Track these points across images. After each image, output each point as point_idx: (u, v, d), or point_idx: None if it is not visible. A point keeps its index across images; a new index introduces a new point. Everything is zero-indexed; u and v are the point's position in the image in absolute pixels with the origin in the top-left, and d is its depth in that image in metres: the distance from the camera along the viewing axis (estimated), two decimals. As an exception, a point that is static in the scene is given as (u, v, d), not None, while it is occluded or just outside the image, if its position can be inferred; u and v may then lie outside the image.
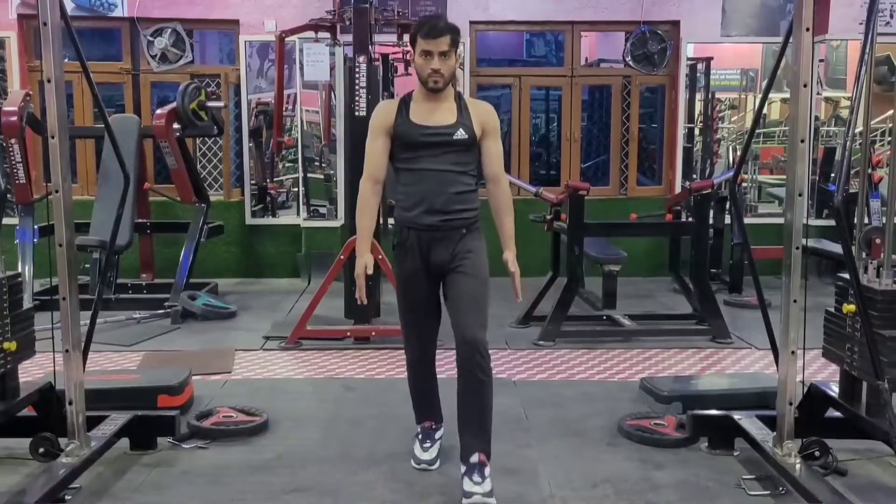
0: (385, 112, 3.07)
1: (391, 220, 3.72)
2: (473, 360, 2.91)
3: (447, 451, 3.32)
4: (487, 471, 2.93)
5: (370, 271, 3.07)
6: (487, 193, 3.11)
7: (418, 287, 3.10)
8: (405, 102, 3.05)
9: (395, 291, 3.22)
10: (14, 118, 5.82)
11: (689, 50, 7.93)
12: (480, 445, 2.96)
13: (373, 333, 5.27)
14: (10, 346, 3.07)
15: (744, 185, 8.32)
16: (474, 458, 2.94)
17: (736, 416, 3.39)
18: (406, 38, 6.65)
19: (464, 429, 3.00)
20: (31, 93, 6.34)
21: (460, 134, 2.98)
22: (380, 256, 4.62)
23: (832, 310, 3.20)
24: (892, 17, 7.44)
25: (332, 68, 7.14)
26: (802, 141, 2.87)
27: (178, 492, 3.10)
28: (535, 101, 9.16)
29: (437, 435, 3.34)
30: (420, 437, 3.33)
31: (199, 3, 7.46)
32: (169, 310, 5.94)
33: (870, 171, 6.04)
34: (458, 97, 3.08)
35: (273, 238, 7.77)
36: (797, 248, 2.93)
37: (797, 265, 2.94)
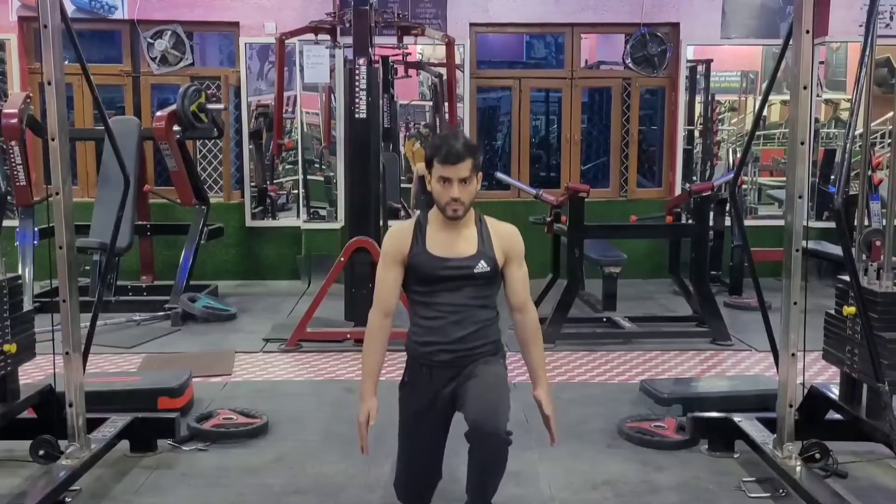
0: (399, 240, 2.75)
1: (391, 223, 3.69)
2: (492, 456, 2.64)
3: (446, 454, 3.31)
4: None
5: (373, 421, 2.72)
6: (514, 323, 2.85)
7: (425, 429, 2.80)
8: (420, 227, 2.76)
9: (404, 304, 2.92)
10: (14, 120, 5.82)
11: (688, 52, 7.94)
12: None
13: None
14: (11, 348, 3.07)
15: (744, 187, 8.32)
16: None
17: (736, 418, 3.39)
18: (406, 40, 6.69)
19: (473, 493, 2.78)
20: (31, 95, 6.35)
21: (482, 266, 2.70)
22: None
23: (832, 312, 3.20)
24: (892, 19, 7.44)
25: (331, 70, 7.16)
26: (802, 143, 2.87)
27: (178, 494, 3.10)
28: (535, 103, 9.17)
29: None
30: None
31: (200, 5, 7.47)
32: (169, 312, 5.94)
33: (870, 173, 6.04)
34: (480, 221, 2.78)
35: (273, 240, 7.77)
36: (797, 250, 2.94)
37: (797, 267, 2.94)
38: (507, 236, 2.80)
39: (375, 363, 2.79)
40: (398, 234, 2.79)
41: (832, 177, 7.47)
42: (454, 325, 2.71)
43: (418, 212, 3.09)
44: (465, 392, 2.69)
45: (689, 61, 7.97)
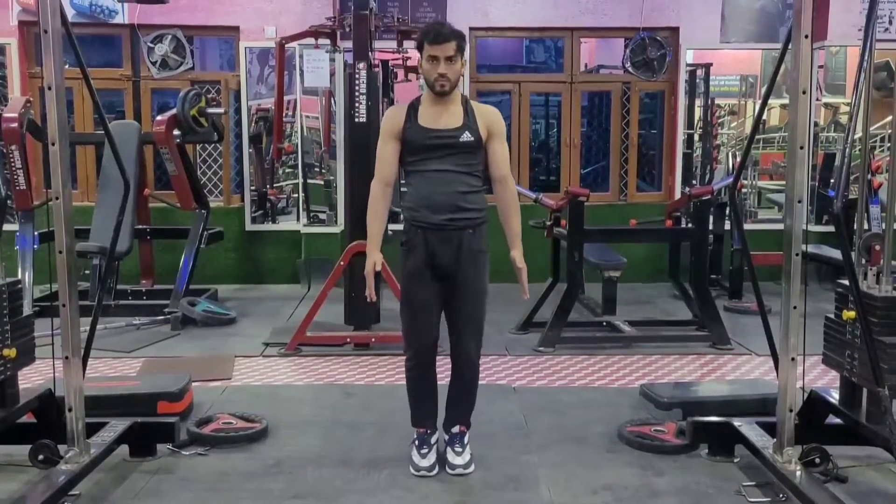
0: (395, 117, 3.19)
1: (391, 228, 3.74)
2: (465, 368, 3.28)
3: (444, 456, 3.31)
4: (467, 438, 3.33)
5: (378, 268, 3.19)
6: (494, 195, 3.24)
7: (423, 285, 3.17)
8: (413, 107, 3.17)
9: (396, 295, 3.34)
10: (14, 124, 5.82)
11: (688, 56, 7.94)
12: (463, 419, 3.35)
13: (372, 339, 5.27)
14: (10, 352, 3.07)
15: (743, 190, 8.32)
16: (455, 429, 3.33)
17: (736, 422, 3.39)
18: (406, 44, 6.70)
19: (450, 405, 3.36)
20: (31, 99, 6.35)
21: (466, 136, 3.10)
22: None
23: (832, 316, 3.20)
24: (891, 23, 7.45)
25: (331, 74, 7.16)
26: (802, 147, 2.87)
27: (177, 498, 3.10)
28: (535, 107, 9.18)
29: (433, 440, 3.35)
30: (417, 443, 3.33)
31: (200, 9, 7.48)
32: (169, 316, 5.93)
33: (869, 176, 6.04)
34: (465, 101, 3.19)
35: (273, 244, 7.77)
36: (797, 254, 2.94)
37: (797, 271, 2.94)
38: (489, 114, 3.20)
39: (379, 226, 3.24)
40: (395, 112, 3.23)
41: (832, 180, 7.47)
42: (442, 188, 3.11)
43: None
44: (453, 312, 3.19)
45: (688, 65, 7.98)
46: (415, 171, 3.17)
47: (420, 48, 3.10)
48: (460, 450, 3.31)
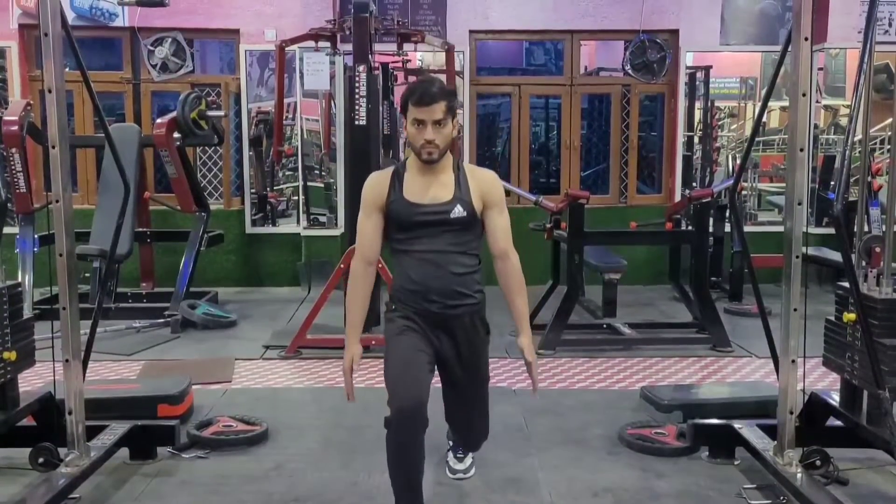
0: (377, 187, 2.77)
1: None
2: (476, 446, 3.19)
3: (443, 459, 3.31)
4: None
5: (356, 366, 2.80)
6: (496, 271, 2.82)
7: (413, 336, 2.75)
8: (398, 174, 2.76)
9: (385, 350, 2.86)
10: (15, 128, 5.83)
11: (688, 58, 7.95)
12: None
13: (373, 342, 5.25)
14: (10, 355, 3.07)
15: (743, 193, 8.32)
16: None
17: (736, 424, 3.39)
18: (406, 47, 6.71)
19: (456, 438, 3.25)
20: (31, 102, 6.35)
21: (458, 212, 2.69)
22: (380, 265, 4.60)
23: (832, 318, 3.20)
24: (890, 25, 7.46)
25: (332, 77, 7.16)
26: (802, 149, 2.87)
27: (177, 501, 3.10)
28: (535, 109, 9.18)
29: None
30: None
31: (200, 12, 7.48)
32: (169, 319, 5.93)
33: (869, 179, 6.04)
34: (457, 167, 2.78)
35: (273, 247, 7.77)
36: (797, 257, 2.94)
37: (797, 273, 2.94)
38: (485, 182, 2.78)
39: (359, 312, 2.81)
40: (376, 181, 2.79)
41: (832, 183, 7.47)
42: (434, 271, 2.71)
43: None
44: (456, 400, 2.90)
45: (688, 68, 7.99)
46: (402, 251, 2.77)
47: (404, 109, 2.68)
48: (462, 456, 3.29)
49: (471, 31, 7.68)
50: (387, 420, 2.62)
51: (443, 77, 7.42)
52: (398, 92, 7.76)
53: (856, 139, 3.13)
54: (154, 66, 7.57)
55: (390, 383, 2.68)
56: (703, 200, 5.81)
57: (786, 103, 7.09)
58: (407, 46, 6.71)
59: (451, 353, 2.79)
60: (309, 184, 7.72)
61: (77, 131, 7.42)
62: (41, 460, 3.15)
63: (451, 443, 3.31)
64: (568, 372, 4.90)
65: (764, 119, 7.98)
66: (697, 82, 8.31)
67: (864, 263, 3.13)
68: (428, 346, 2.75)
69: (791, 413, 3.02)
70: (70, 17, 6.80)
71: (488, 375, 2.95)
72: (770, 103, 8.12)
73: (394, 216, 2.74)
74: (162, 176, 7.14)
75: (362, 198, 2.80)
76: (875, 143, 7.34)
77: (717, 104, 8.82)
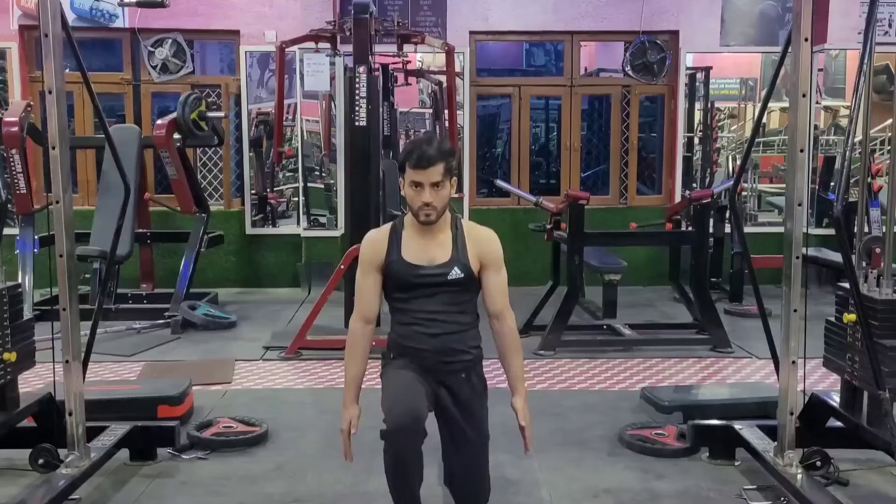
0: (375, 246, 2.76)
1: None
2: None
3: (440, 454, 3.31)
4: None
5: (355, 430, 2.77)
6: (492, 331, 2.80)
7: (412, 373, 2.73)
8: (396, 233, 2.75)
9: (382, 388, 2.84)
10: (15, 129, 5.83)
11: (688, 59, 7.95)
12: None
13: (373, 343, 5.26)
14: (10, 356, 3.07)
15: (743, 194, 8.32)
16: None
17: (737, 425, 3.39)
18: (406, 48, 6.71)
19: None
20: (32, 103, 6.35)
21: (455, 273, 2.68)
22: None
23: (833, 319, 3.20)
24: (890, 26, 7.46)
25: (332, 78, 7.16)
26: (802, 150, 2.88)
27: (177, 502, 3.10)
28: (535, 110, 9.18)
29: None
30: None
31: (200, 13, 7.49)
32: (169, 320, 5.93)
33: (869, 180, 6.04)
34: (455, 225, 2.76)
35: (273, 248, 7.77)
36: (797, 258, 2.94)
37: (797, 274, 2.94)
38: (482, 241, 2.76)
39: (358, 371, 2.80)
40: (374, 240, 2.79)
41: (832, 184, 7.47)
42: (430, 330, 2.70)
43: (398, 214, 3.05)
44: (454, 457, 2.79)
45: (688, 69, 7.99)
46: (400, 309, 2.77)
47: (401, 170, 2.67)
48: None
49: (471, 32, 7.68)
50: (383, 433, 2.59)
51: (443, 78, 7.45)
52: (398, 93, 7.78)
53: (856, 140, 3.13)
54: (154, 67, 7.58)
55: (387, 404, 2.66)
56: (703, 201, 5.81)
57: (786, 104, 7.09)
58: (407, 47, 6.72)
59: (448, 402, 2.76)
60: (309, 185, 7.73)
61: (77, 132, 7.43)
62: (41, 461, 3.15)
63: None
64: (568, 373, 4.90)
65: (764, 120, 7.98)
66: (697, 83, 8.30)
67: (864, 264, 3.14)
68: (427, 386, 2.72)
69: (791, 414, 3.02)
70: (70, 18, 6.79)
71: (488, 434, 2.87)
72: (770, 104, 8.12)
73: (393, 277, 2.73)
74: (162, 177, 7.14)
75: (360, 256, 2.80)
76: (875, 144, 7.34)
77: (717, 105, 8.81)
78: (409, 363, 2.75)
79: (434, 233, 2.72)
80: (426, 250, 2.71)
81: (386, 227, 2.81)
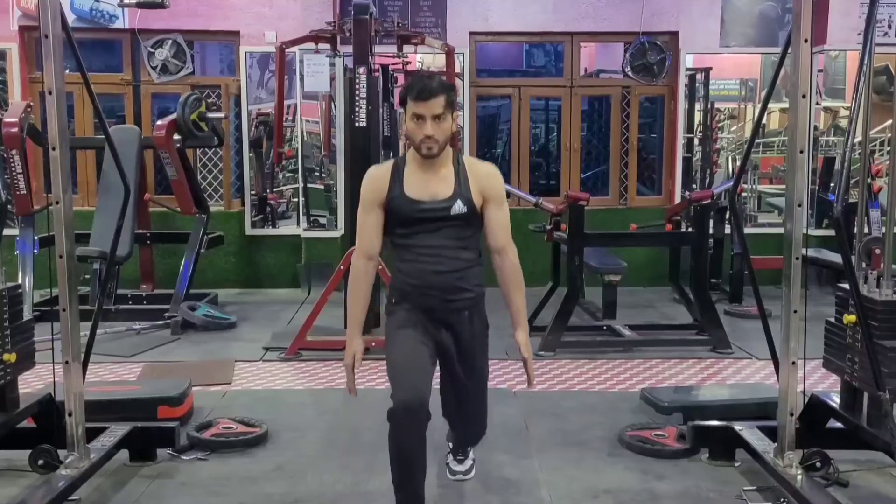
0: (377, 183, 2.76)
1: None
2: (475, 441, 3.17)
3: (443, 461, 3.31)
4: (471, 450, 3.25)
5: (359, 363, 2.82)
6: (494, 266, 2.82)
7: (413, 330, 2.76)
8: (398, 169, 2.76)
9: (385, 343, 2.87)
10: (15, 129, 5.83)
11: (688, 60, 7.95)
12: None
13: (373, 344, 5.23)
14: (10, 357, 3.07)
15: (743, 194, 8.32)
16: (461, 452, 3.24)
17: (737, 426, 3.39)
18: (406, 48, 6.71)
19: (455, 436, 3.23)
20: (32, 104, 6.35)
21: (458, 208, 2.70)
22: (380, 267, 4.60)
23: (833, 320, 3.20)
24: (890, 27, 7.46)
25: (332, 79, 7.16)
26: (802, 151, 2.87)
27: (177, 503, 3.09)
28: (535, 111, 9.18)
29: None
30: None
31: (200, 14, 7.49)
32: (169, 320, 5.93)
33: (869, 180, 6.04)
34: (457, 160, 2.78)
35: (273, 248, 7.77)
36: (797, 258, 2.94)
37: (797, 275, 2.94)
38: (484, 176, 2.77)
39: (360, 307, 2.82)
40: (376, 177, 2.78)
41: (832, 185, 7.47)
42: (434, 266, 2.72)
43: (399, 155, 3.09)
44: (455, 393, 2.90)
45: (688, 69, 7.99)
46: (403, 245, 2.78)
47: (403, 104, 2.69)
48: (462, 458, 3.26)
49: (471, 33, 7.68)
50: (390, 412, 2.61)
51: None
52: (398, 94, 7.77)
53: (856, 141, 3.13)
54: (154, 68, 7.58)
55: (393, 377, 2.68)
56: (703, 202, 5.81)
57: (786, 105, 7.09)
58: (407, 48, 6.71)
59: (450, 345, 2.80)
60: (309, 185, 7.73)
61: (77, 133, 7.43)
62: (41, 462, 3.15)
63: (450, 445, 3.28)
64: (568, 374, 4.89)
65: (764, 121, 7.98)
66: (697, 84, 8.31)
67: (864, 265, 3.13)
68: (429, 338, 2.76)
69: (791, 415, 3.02)
70: (70, 18, 6.80)
71: (487, 371, 2.96)
72: (770, 105, 8.12)
73: (395, 213, 2.74)
74: (162, 177, 7.14)
75: (361, 194, 2.79)
76: (875, 145, 7.34)
77: (716, 106, 8.82)
78: (412, 311, 2.76)
79: (436, 168, 2.73)
80: (428, 185, 2.72)
81: (388, 164, 2.82)
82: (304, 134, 7.72)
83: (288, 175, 7.95)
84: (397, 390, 2.61)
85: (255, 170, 7.86)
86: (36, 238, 6.12)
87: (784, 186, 3.07)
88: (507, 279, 2.81)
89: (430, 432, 2.63)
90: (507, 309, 2.87)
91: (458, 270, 2.74)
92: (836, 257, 5.87)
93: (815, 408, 3.28)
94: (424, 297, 2.74)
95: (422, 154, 2.68)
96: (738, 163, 8.51)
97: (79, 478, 2.99)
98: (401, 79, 7.76)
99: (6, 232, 6.17)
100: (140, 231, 6.74)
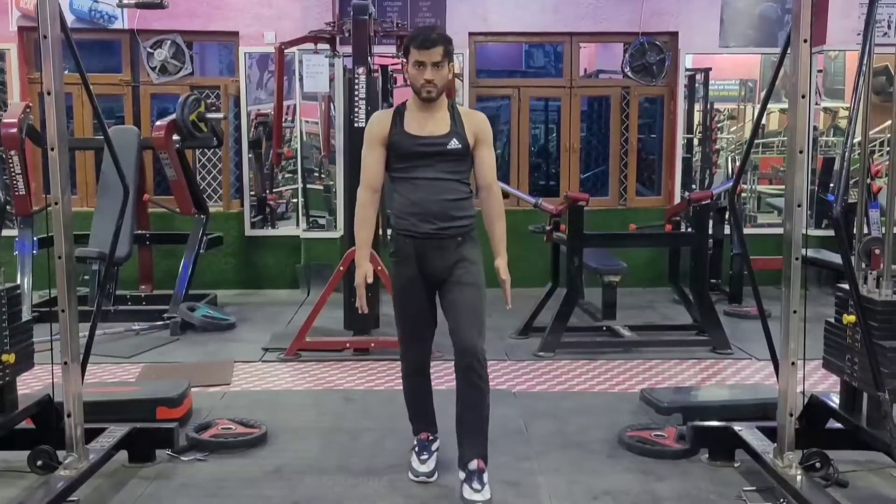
0: (380, 122, 3.13)
1: (390, 232, 3.71)
2: (471, 368, 3.01)
3: (444, 463, 3.31)
4: (486, 477, 3.05)
5: (370, 280, 3.12)
6: (480, 201, 3.17)
7: (415, 295, 3.14)
8: (399, 112, 3.11)
9: (392, 301, 3.25)
10: (14, 130, 5.83)
11: (687, 61, 7.96)
12: (479, 452, 3.08)
13: (372, 345, 5.26)
14: (9, 358, 3.06)
15: (743, 195, 8.32)
16: (473, 465, 3.05)
17: (736, 427, 3.38)
18: (405, 49, 6.71)
19: (462, 435, 3.13)
20: (31, 105, 6.35)
21: (454, 143, 3.04)
22: (378, 267, 4.61)
23: (832, 320, 3.20)
24: (889, 27, 7.46)
25: (331, 80, 7.16)
26: (801, 151, 2.87)
27: (176, 504, 3.09)
28: (535, 111, 9.17)
29: (434, 447, 3.34)
30: (417, 449, 3.31)
31: (199, 14, 7.48)
32: (168, 321, 5.93)
33: (869, 181, 6.03)
34: (452, 107, 3.13)
35: (272, 249, 7.77)
36: (797, 259, 2.93)
37: (797, 276, 2.94)
38: (477, 121, 3.14)
39: (368, 233, 3.18)
40: (380, 118, 3.17)
41: (831, 185, 7.47)
42: (431, 195, 3.03)
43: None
44: (450, 306, 3.07)
45: (687, 70, 7.99)
46: (402, 179, 3.11)
47: (406, 53, 3.05)
48: (479, 487, 3.02)
49: (470, 34, 7.68)
50: (402, 367, 3.30)
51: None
52: (397, 94, 7.78)
53: (855, 141, 3.13)
54: (153, 69, 7.57)
55: (401, 339, 3.25)
56: (703, 202, 5.81)
57: (785, 105, 7.09)
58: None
59: (443, 268, 3.07)
60: (308, 186, 7.72)
61: (76, 134, 7.43)
62: (40, 463, 3.15)
63: (464, 474, 3.09)
64: (567, 374, 4.89)
65: (763, 121, 7.98)
66: (697, 84, 8.31)
67: (863, 265, 3.13)
68: (427, 292, 3.13)
69: (791, 415, 3.01)
70: (69, 19, 6.81)
71: (482, 284, 3.12)
72: (769, 105, 8.13)
73: (395, 147, 3.07)
74: (161, 178, 7.12)
75: (366, 133, 3.15)
76: (874, 146, 7.34)
77: (716, 106, 8.83)
78: (412, 266, 3.08)
79: (433, 110, 3.08)
80: (427, 124, 3.07)
81: (391, 109, 3.19)
82: (304, 134, 7.72)
83: (287, 176, 7.94)
84: (406, 357, 3.26)
85: (254, 170, 7.86)
86: (35, 239, 6.11)
87: (783, 187, 3.06)
88: (492, 211, 3.15)
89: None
90: (503, 307, 3.18)
91: (453, 200, 3.05)
92: (835, 258, 5.87)
93: (814, 408, 3.28)
94: (422, 223, 3.03)
95: (422, 97, 3.04)
96: (738, 163, 8.51)
97: (77, 479, 2.98)
98: (400, 79, 7.77)
99: (5, 233, 6.16)
100: (139, 232, 6.73)
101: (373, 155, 3.12)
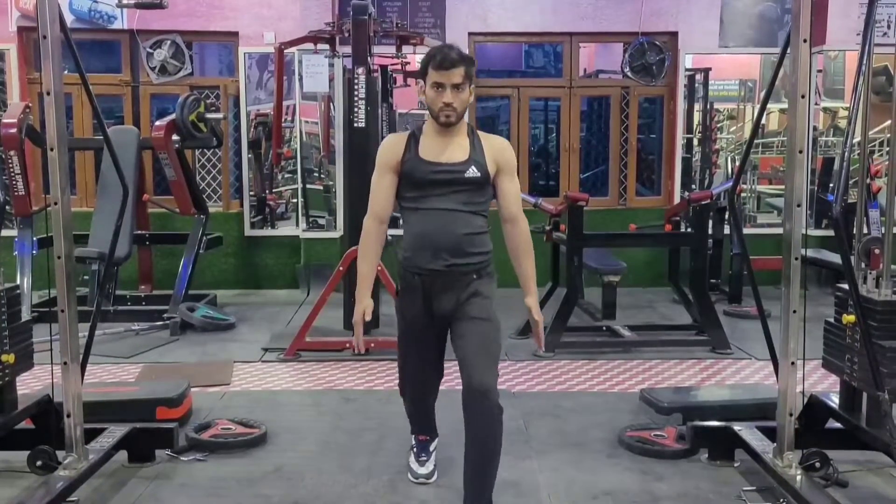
0: (393, 147, 2.86)
1: (390, 234, 3.67)
2: (482, 408, 2.67)
3: (444, 463, 3.31)
4: None
5: (368, 318, 2.85)
6: (504, 235, 2.91)
7: (422, 337, 2.92)
8: (414, 137, 2.85)
9: (393, 296, 3.15)
10: (13, 130, 5.83)
11: (687, 61, 7.95)
12: (485, 499, 2.80)
13: (372, 345, 5.25)
14: (8, 358, 3.06)
15: (742, 195, 8.32)
16: None
17: (736, 427, 3.38)
18: (405, 49, 6.71)
19: (470, 481, 2.79)
20: (30, 105, 6.35)
21: (472, 172, 2.77)
22: (379, 268, 4.60)
23: (832, 320, 3.20)
24: (889, 27, 7.46)
25: (331, 80, 7.16)
26: (801, 151, 2.87)
27: (176, 505, 3.09)
28: (534, 111, 9.17)
29: (432, 447, 3.32)
30: (415, 451, 3.30)
31: (199, 15, 7.48)
32: (168, 321, 5.92)
33: (868, 181, 6.03)
34: (472, 132, 2.88)
35: (272, 249, 7.77)
36: (796, 259, 2.93)
37: (796, 275, 2.94)
38: (498, 148, 2.89)
39: (371, 267, 2.92)
40: (393, 142, 2.89)
41: (831, 185, 7.47)
42: (444, 228, 2.77)
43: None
44: (460, 342, 2.79)
45: (687, 70, 7.99)
46: (413, 209, 2.83)
47: (424, 73, 2.76)
48: None
49: (470, 34, 7.68)
50: (401, 393, 3.15)
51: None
52: (397, 94, 7.77)
53: (855, 141, 3.13)
54: (153, 69, 7.57)
55: (402, 368, 3.06)
56: (703, 202, 5.81)
57: (785, 105, 7.09)
58: (406, 49, 6.71)
59: (451, 307, 2.82)
60: (308, 186, 7.72)
61: (76, 134, 7.43)
62: (39, 463, 3.14)
63: None
64: (567, 374, 4.89)
65: (763, 121, 7.98)
66: (696, 84, 8.31)
67: (863, 265, 3.13)
68: (436, 336, 2.93)
69: (790, 415, 3.01)
70: (69, 19, 6.79)
71: (496, 321, 2.84)
72: (769, 105, 8.12)
73: (408, 174, 2.81)
74: (161, 178, 7.12)
75: (377, 158, 2.88)
76: (874, 146, 7.34)
77: (716, 106, 8.82)
78: (417, 301, 2.84)
79: (452, 135, 2.82)
80: (444, 150, 2.81)
81: (405, 132, 2.91)
82: (303, 135, 7.72)
83: (287, 176, 7.94)
84: (408, 389, 3.10)
85: (253, 170, 7.86)
86: (34, 239, 6.12)
87: (783, 187, 3.06)
88: (518, 247, 2.89)
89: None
90: (506, 306, 3.01)
91: (468, 235, 2.79)
92: (835, 258, 5.88)
93: (814, 408, 3.28)
94: (433, 258, 2.77)
95: (440, 122, 2.78)
96: (738, 163, 8.50)
97: (77, 479, 2.98)
98: (400, 79, 7.77)
99: (5, 233, 6.18)
100: (139, 232, 6.73)
101: (382, 182, 2.84)
